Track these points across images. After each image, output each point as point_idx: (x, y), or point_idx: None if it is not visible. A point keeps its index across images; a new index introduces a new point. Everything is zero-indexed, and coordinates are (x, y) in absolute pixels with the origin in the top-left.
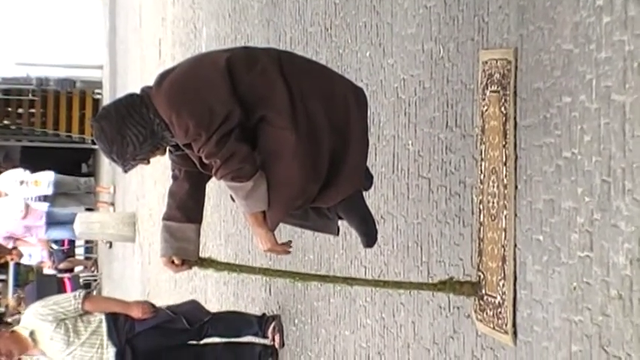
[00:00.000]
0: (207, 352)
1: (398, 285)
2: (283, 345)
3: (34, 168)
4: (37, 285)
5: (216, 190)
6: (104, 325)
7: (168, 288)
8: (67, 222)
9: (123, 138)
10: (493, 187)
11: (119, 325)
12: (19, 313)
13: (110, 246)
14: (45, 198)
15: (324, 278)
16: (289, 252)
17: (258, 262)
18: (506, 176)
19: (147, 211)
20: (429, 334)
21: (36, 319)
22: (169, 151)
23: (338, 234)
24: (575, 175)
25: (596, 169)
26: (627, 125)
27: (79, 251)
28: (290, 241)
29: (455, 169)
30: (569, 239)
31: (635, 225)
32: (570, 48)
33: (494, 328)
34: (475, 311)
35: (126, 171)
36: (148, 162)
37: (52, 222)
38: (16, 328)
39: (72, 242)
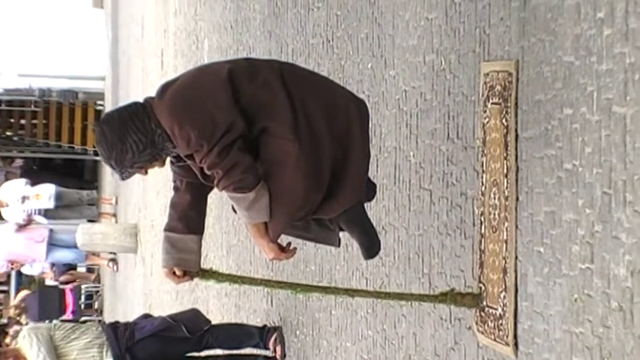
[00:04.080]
0: None
1: (399, 296)
2: (284, 356)
3: (36, 179)
4: (39, 295)
5: (217, 201)
6: (104, 333)
7: (170, 299)
8: (70, 245)
9: (123, 144)
10: (494, 198)
11: (119, 333)
12: (20, 323)
13: (116, 269)
14: (46, 212)
15: (325, 289)
16: (294, 254)
17: (259, 274)
18: (507, 188)
19: (149, 223)
20: (431, 345)
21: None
22: (171, 162)
23: (339, 245)
24: (576, 187)
25: (597, 181)
26: (628, 137)
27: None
28: (292, 246)
29: (456, 181)
30: (570, 251)
31: (636, 237)
32: (571, 60)
33: (495, 339)
34: (476, 323)
35: (123, 179)
36: (146, 172)
37: (53, 244)
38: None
39: None
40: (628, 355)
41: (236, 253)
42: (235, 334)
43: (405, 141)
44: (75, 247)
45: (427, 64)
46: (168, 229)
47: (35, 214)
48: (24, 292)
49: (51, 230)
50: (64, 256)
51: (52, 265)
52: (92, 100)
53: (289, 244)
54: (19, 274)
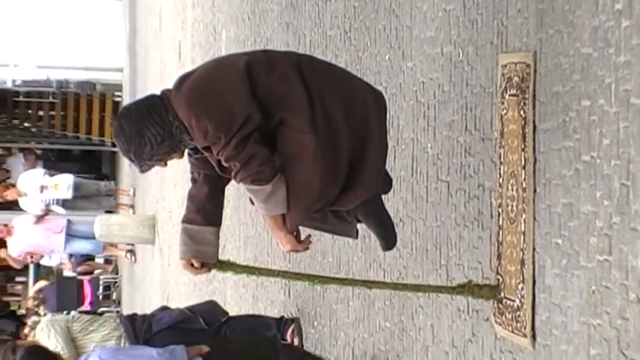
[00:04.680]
0: None
1: (417, 288)
2: (302, 347)
3: (55, 169)
4: (57, 287)
5: (235, 193)
6: (122, 325)
7: (188, 290)
8: (88, 236)
9: (141, 138)
10: (512, 190)
11: (137, 325)
12: (38, 314)
13: (134, 260)
14: (64, 202)
15: (342, 281)
16: (309, 246)
17: (277, 265)
18: (525, 180)
19: (166, 214)
20: (448, 337)
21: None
22: (188, 154)
23: (357, 237)
24: (594, 179)
25: (615, 173)
26: None
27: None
28: (309, 235)
29: (474, 173)
30: (588, 243)
31: None
32: (589, 52)
33: (512, 331)
34: (494, 314)
35: (142, 171)
36: (165, 164)
37: (71, 234)
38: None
39: None
40: None
41: (253, 244)
42: (253, 326)
43: (423, 133)
44: (93, 237)
45: (445, 55)
46: (186, 220)
47: (53, 204)
48: (41, 283)
49: (69, 221)
50: (82, 246)
51: (70, 256)
52: (110, 92)
53: (309, 235)
54: (37, 265)
